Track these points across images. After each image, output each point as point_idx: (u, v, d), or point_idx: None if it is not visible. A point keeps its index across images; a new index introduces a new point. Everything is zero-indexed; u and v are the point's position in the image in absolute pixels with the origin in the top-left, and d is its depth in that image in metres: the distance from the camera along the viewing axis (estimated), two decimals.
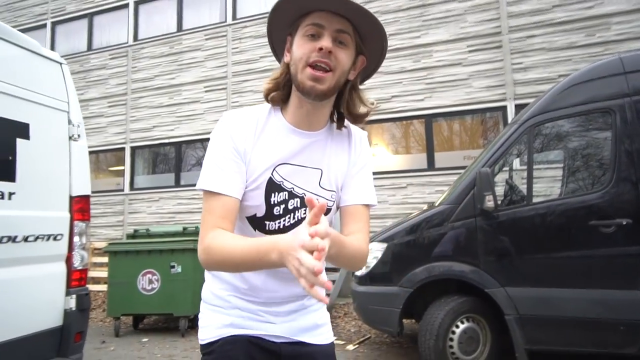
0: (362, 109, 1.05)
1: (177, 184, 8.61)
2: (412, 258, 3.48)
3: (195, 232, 5.12)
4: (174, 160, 8.77)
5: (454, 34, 6.93)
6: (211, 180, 0.96)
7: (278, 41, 1.04)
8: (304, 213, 1.02)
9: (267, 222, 1.02)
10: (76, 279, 2.59)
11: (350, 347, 4.30)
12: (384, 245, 3.61)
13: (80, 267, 2.63)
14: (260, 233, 1.02)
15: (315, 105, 0.98)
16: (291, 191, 1.01)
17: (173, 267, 4.92)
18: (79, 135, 2.69)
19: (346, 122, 1.08)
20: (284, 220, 1.02)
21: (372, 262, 3.65)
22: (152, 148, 9.09)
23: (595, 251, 2.95)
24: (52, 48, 10.26)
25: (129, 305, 4.97)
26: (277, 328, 1.07)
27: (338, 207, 1.10)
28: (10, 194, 2.23)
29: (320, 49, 0.91)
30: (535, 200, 3.24)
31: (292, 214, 1.03)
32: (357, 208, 1.07)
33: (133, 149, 9.13)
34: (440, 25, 7.01)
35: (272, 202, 1.00)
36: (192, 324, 5.06)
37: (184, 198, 8.33)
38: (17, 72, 2.34)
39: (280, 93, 1.01)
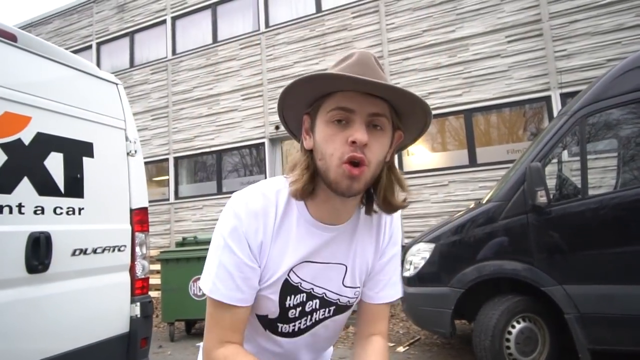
0: (401, 196, 0.89)
1: (219, 191, 8.86)
2: (461, 258, 3.42)
3: None
4: (215, 168, 9.03)
5: (490, 25, 6.74)
6: (220, 288, 0.83)
7: (291, 118, 0.89)
8: (323, 314, 0.92)
9: (279, 325, 0.91)
10: (139, 287, 2.74)
11: (401, 349, 4.27)
12: (431, 245, 3.58)
13: (142, 276, 2.77)
14: (270, 334, 0.93)
15: (345, 200, 0.84)
16: (310, 292, 0.89)
17: None
18: (135, 151, 2.84)
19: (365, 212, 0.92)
20: (300, 323, 0.92)
21: (419, 263, 3.62)
22: (194, 157, 9.40)
23: None
24: (98, 66, 10.83)
25: (182, 310, 5.17)
26: None
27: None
28: (80, 209, 2.38)
29: (354, 142, 0.76)
30: (590, 193, 3.10)
31: (309, 316, 0.92)
32: (381, 307, 0.98)
33: (176, 159, 9.48)
34: (476, 18, 6.84)
35: (287, 305, 0.89)
36: None
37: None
38: (79, 95, 2.51)
39: (311, 187, 0.84)
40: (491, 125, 6.91)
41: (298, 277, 0.87)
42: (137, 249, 2.76)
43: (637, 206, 2.93)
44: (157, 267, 5.76)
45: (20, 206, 2.08)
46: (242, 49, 8.90)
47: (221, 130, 8.86)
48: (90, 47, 11.15)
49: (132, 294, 2.68)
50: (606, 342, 2.91)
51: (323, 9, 8.17)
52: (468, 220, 3.50)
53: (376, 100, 0.78)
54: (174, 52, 9.88)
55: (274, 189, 0.88)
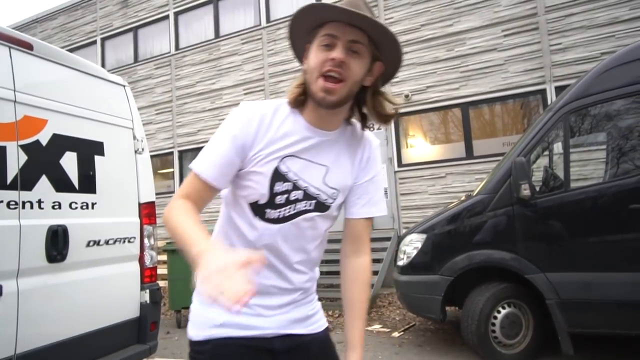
0: (390, 109, 1.05)
1: None
2: (452, 247, 3.61)
3: None
4: None
5: (487, 19, 6.84)
6: (202, 164, 1.01)
7: (299, 50, 1.07)
8: (304, 206, 1.04)
9: (267, 210, 1.03)
10: (148, 276, 2.95)
11: (396, 334, 4.49)
12: (423, 236, 3.77)
13: (150, 265, 2.98)
14: (259, 220, 1.04)
15: (329, 111, 1.01)
16: (295, 183, 1.03)
17: None
18: (142, 149, 3.03)
19: (360, 128, 1.12)
20: (284, 210, 1.03)
21: (412, 252, 3.82)
22: (198, 151, 9.55)
23: (636, 234, 2.96)
24: (103, 62, 11.02)
25: (188, 299, 5.31)
26: (268, 322, 1.06)
27: (340, 207, 1.13)
28: (93, 204, 2.59)
29: (333, 59, 0.93)
30: (572, 186, 3.27)
31: (293, 205, 1.03)
32: (361, 223, 1.13)
33: (180, 152, 9.69)
34: (473, 12, 6.94)
35: (275, 191, 1.01)
36: None
37: None
38: (90, 97, 2.69)
39: (303, 98, 1.03)
40: (488, 118, 7.05)
41: (286, 166, 1.02)
42: (146, 240, 2.97)
43: (616, 198, 3.11)
44: (164, 257, 6.00)
45: (40, 202, 2.29)
46: (243, 43, 9.04)
47: None
48: (94, 42, 11.31)
49: (142, 282, 2.89)
50: (584, 326, 3.11)
51: None
52: (459, 212, 3.68)
53: (357, 30, 0.94)
54: (177, 47, 10.03)
55: (275, 101, 1.07)
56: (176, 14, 10.10)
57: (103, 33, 11.17)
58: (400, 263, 3.94)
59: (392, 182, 7.41)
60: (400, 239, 4.20)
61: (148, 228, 3.00)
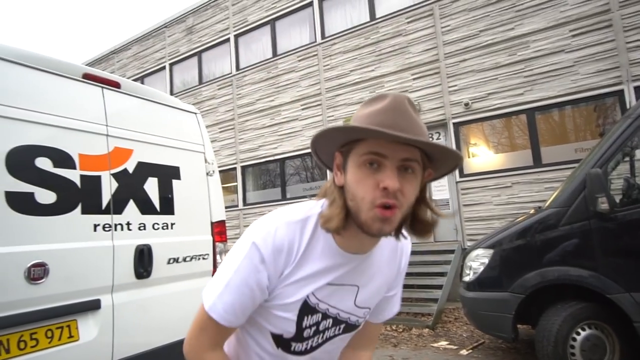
0: (431, 217, 0.90)
1: (284, 197, 9.33)
2: (523, 263, 3.45)
3: None
4: (279, 175, 9.53)
5: (553, 19, 6.50)
6: (219, 309, 0.87)
7: (323, 152, 0.90)
8: (333, 332, 0.96)
9: (293, 344, 0.94)
10: None
11: (464, 352, 4.34)
12: (490, 251, 3.64)
13: None
14: (282, 352, 0.95)
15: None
16: (325, 312, 0.92)
17: None
18: (213, 171, 3.24)
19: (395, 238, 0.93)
20: (312, 341, 0.95)
21: (479, 268, 3.70)
22: (259, 166, 9.97)
23: None
24: (171, 86, 11.86)
25: None
26: None
27: None
28: (172, 224, 2.82)
29: (386, 188, 0.77)
30: None
31: (321, 334, 0.95)
32: (379, 325, 1.09)
33: (243, 167, 10.13)
34: (537, 13, 6.63)
35: (303, 326, 0.92)
36: None
37: None
38: (167, 126, 2.95)
39: (346, 222, 0.85)
40: (557, 124, 6.65)
41: (316, 298, 0.90)
42: (218, 256, 3.16)
43: None
44: None
45: (128, 224, 2.54)
46: (300, 60, 9.31)
47: (283, 139, 9.33)
48: (164, 68, 12.21)
49: None
50: None
51: (377, 16, 8.32)
52: (528, 226, 3.52)
53: (408, 147, 0.79)
54: (237, 67, 10.55)
55: (300, 216, 0.89)
56: (236, 37, 10.65)
57: (171, 59, 12.04)
58: (466, 279, 3.83)
59: (453, 193, 7.21)
60: (465, 253, 4.08)
61: (220, 245, 3.19)
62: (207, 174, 3.21)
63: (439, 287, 5.97)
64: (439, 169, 0.88)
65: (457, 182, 7.11)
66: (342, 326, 0.97)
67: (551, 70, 6.42)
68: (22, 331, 1.96)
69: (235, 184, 10.26)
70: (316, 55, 9.04)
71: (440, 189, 7.41)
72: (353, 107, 8.28)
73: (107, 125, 2.53)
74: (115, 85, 2.66)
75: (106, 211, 2.43)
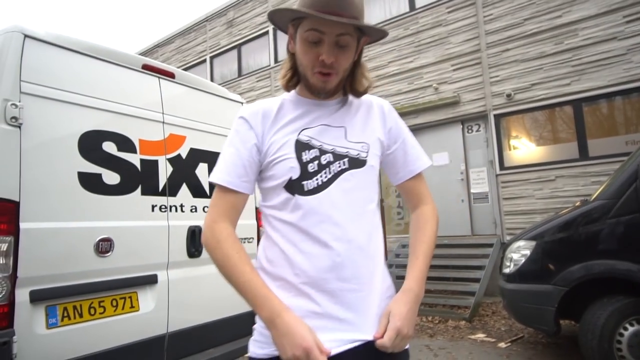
0: (365, 84, 1.08)
1: None
2: (566, 256, 3.38)
3: None
4: None
5: (604, 5, 6.20)
6: (218, 173, 1.03)
7: (278, 22, 1.07)
8: (339, 166, 1.02)
9: (304, 183, 1.00)
10: None
11: (502, 344, 4.31)
12: (533, 243, 3.59)
13: None
14: (299, 196, 1.00)
15: None
16: (320, 147, 1.03)
17: None
18: None
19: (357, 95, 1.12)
20: (321, 177, 1.01)
21: (520, 260, 3.65)
22: None
23: None
24: (211, 78, 12.19)
25: None
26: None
27: (379, 161, 1.12)
28: None
29: (323, 61, 0.97)
30: None
31: (327, 169, 1.01)
32: (412, 182, 1.15)
33: None
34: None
35: (304, 160, 1.01)
36: None
37: None
38: (215, 115, 3.08)
39: (295, 79, 1.07)
40: (606, 115, 6.37)
41: (307, 136, 1.04)
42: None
43: None
44: None
45: (182, 206, 2.71)
46: None
47: None
48: (204, 61, 12.57)
49: None
50: None
51: (417, 6, 8.21)
52: (573, 218, 3.44)
53: (343, 23, 0.95)
54: (276, 60, 10.71)
55: (271, 98, 1.12)
56: (275, 30, 10.80)
57: (212, 51, 12.36)
58: (506, 270, 3.79)
59: (493, 186, 7.07)
60: (506, 245, 4.04)
61: (262, 230, 3.33)
62: None
63: (477, 280, 5.91)
64: (373, 35, 1.05)
65: (497, 175, 6.97)
66: (346, 160, 1.03)
67: (601, 59, 6.15)
68: (92, 299, 2.16)
69: None
70: None
71: (479, 182, 7.28)
72: (391, 98, 8.23)
73: (163, 113, 2.70)
74: (171, 75, 2.82)
75: (162, 193, 2.60)
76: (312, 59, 0.99)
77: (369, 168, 1.06)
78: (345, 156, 1.03)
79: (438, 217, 1.15)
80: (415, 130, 7.98)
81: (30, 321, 1.90)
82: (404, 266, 5.05)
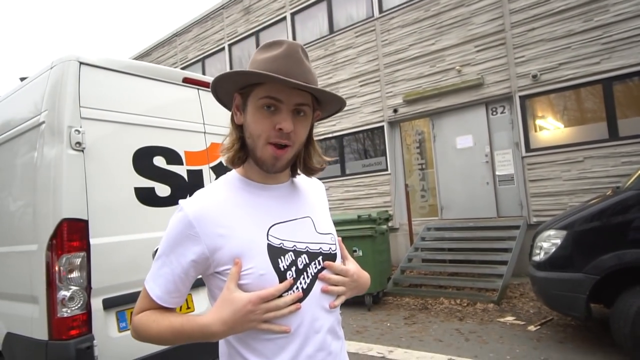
0: (318, 162, 1.02)
1: (343, 173, 9.55)
2: (598, 245, 3.43)
3: (368, 220, 5.79)
4: (338, 152, 9.72)
5: None
6: (152, 282, 0.92)
7: (222, 93, 0.97)
8: (316, 267, 0.94)
9: (285, 294, 0.89)
10: None
11: (532, 327, 4.42)
12: (563, 232, 3.64)
13: None
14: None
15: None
16: (294, 249, 0.93)
17: (355, 251, 5.72)
18: None
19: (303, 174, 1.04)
20: (300, 284, 0.91)
21: (550, 248, 3.72)
22: (319, 143, 10.17)
23: None
24: (231, 66, 12.27)
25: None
26: None
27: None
28: None
29: (281, 129, 0.87)
30: None
31: (304, 273, 0.92)
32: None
33: None
34: None
35: (281, 269, 0.89)
36: (375, 300, 5.83)
37: (350, 186, 9.24)
38: None
39: (243, 154, 0.95)
40: (637, 94, 6.21)
41: (276, 237, 0.92)
42: None
43: None
44: None
45: None
46: (357, 36, 9.26)
47: (342, 116, 9.46)
48: (223, 49, 12.62)
49: None
50: None
51: None
52: (606, 207, 3.47)
53: (301, 92, 0.89)
54: None
55: (215, 183, 0.98)
56: (292, 15, 10.74)
57: (230, 39, 12.40)
58: (536, 259, 3.87)
59: (518, 168, 7.04)
60: (535, 233, 4.10)
61: None
62: None
63: (504, 262, 5.98)
64: (326, 110, 1.01)
65: (522, 157, 6.93)
66: (320, 259, 0.96)
67: (634, 36, 5.95)
68: None
69: None
70: (374, 30, 8.95)
71: (504, 164, 7.26)
72: (412, 82, 8.19)
73: (204, 124, 2.84)
74: (208, 85, 2.94)
75: None
76: (267, 128, 0.88)
77: (338, 260, 1.00)
78: (319, 254, 0.96)
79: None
80: (438, 113, 7.96)
81: (105, 326, 2.11)
82: (430, 249, 5.25)
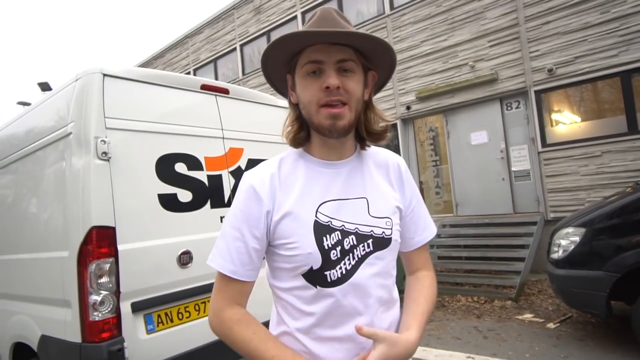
0: (381, 126, 0.99)
1: None
2: (618, 242, 3.40)
3: None
4: None
5: None
6: (216, 257, 0.93)
7: (278, 80, 0.98)
8: (363, 249, 0.92)
9: (327, 273, 0.88)
10: None
11: (551, 325, 4.40)
12: (582, 230, 3.61)
13: None
14: (323, 289, 0.89)
15: (340, 140, 0.94)
16: (342, 229, 0.90)
17: None
18: None
19: (376, 147, 1.03)
20: (345, 264, 0.89)
21: (569, 246, 3.70)
22: None
23: None
24: (243, 67, 12.36)
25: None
26: None
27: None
28: None
29: (327, 87, 0.85)
30: None
31: (350, 254, 0.90)
32: (421, 250, 1.07)
33: None
34: None
35: (325, 247, 0.88)
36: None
37: None
38: (267, 123, 3.24)
39: (304, 133, 0.95)
40: None
41: (325, 215, 0.89)
42: None
43: None
44: None
45: None
46: None
47: None
48: (234, 49, 12.71)
49: None
50: None
51: None
52: (626, 204, 3.44)
53: (342, 48, 0.86)
54: None
55: (276, 157, 0.98)
56: (303, 13, 10.76)
57: (241, 39, 12.48)
58: (554, 256, 3.84)
59: (535, 163, 6.97)
60: (553, 230, 4.07)
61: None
62: None
63: (521, 259, 5.95)
64: (378, 66, 0.95)
65: (539, 153, 6.85)
66: (370, 242, 0.92)
67: None
68: (179, 305, 2.44)
69: None
70: (385, 27, 8.92)
71: (520, 160, 7.19)
72: (425, 79, 8.15)
73: (222, 129, 2.90)
74: (225, 91, 3.00)
75: (228, 204, 2.83)
76: (316, 91, 0.87)
77: (394, 244, 0.97)
78: (369, 236, 0.93)
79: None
80: (452, 109, 7.91)
81: (134, 329, 2.19)
82: (445, 246, 5.26)
